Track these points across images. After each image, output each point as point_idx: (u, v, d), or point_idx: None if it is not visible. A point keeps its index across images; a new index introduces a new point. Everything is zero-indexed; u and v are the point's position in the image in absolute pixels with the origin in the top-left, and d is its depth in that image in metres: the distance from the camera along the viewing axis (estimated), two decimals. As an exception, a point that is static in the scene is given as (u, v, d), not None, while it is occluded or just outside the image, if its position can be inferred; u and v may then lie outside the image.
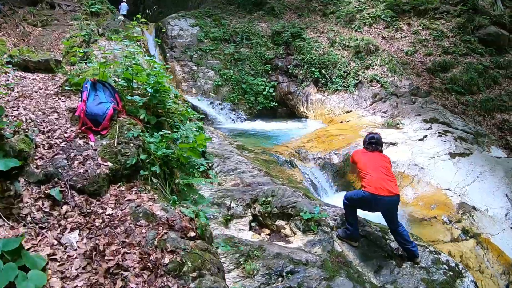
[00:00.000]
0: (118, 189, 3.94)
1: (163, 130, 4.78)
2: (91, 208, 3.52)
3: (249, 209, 6.90)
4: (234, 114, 16.39)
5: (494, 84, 15.56)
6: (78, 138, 4.27)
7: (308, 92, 16.75)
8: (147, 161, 4.27)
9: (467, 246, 8.35)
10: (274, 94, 17.20)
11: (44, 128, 4.35)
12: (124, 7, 20.76)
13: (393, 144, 11.79)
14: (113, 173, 4.00)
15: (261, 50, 17.93)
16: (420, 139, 12.31)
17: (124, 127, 4.53)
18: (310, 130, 13.94)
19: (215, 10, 20.35)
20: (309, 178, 10.29)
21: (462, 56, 16.29)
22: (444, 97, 15.04)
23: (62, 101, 5.25)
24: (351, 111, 15.18)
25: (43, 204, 3.30)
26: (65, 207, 3.38)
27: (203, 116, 15.19)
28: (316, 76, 16.68)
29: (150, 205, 3.76)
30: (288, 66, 17.41)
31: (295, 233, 6.34)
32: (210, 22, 18.93)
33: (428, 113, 13.80)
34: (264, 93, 16.99)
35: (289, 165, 10.35)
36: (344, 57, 16.79)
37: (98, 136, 4.37)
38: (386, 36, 17.65)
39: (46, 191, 3.40)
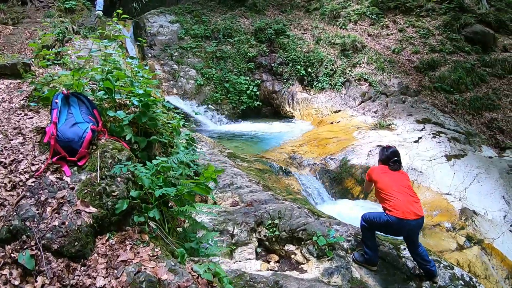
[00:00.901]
0: (107, 244, 2.89)
1: (156, 157, 3.69)
2: (75, 278, 2.50)
3: (254, 234, 5.95)
4: (218, 115, 15.23)
5: (482, 82, 14.89)
6: (49, 172, 3.15)
7: (293, 91, 15.72)
8: (139, 198, 3.18)
9: (473, 254, 7.96)
10: (258, 93, 16.10)
11: (5, 158, 3.25)
12: (100, 3, 19.12)
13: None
14: (98, 221, 2.93)
15: (244, 47, 16.77)
16: (415, 141, 11.54)
17: (107, 153, 3.43)
18: (299, 132, 12.94)
19: (195, 6, 19.02)
20: (306, 187, 9.34)
21: (449, 55, 15.56)
22: (434, 96, 14.26)
23: (29, 118, 4.08)
24: (339, 110, 14.24)
25: (11, 274, 2.34)
26: (40, 279, 2.40)
27: (185, 117, 14.04)
28: (301, 74, 15.66)
29: (153, 267, 2.68)
30: (272, 64, 16.32)
31: (308, 259, 5.45)
32: (190, 19, 17.64)
33: (420, 113, 13.00)
34: (248, 92, 15.87)
35: (285, 173, 9.36)
36: (330, 54, 15.82)
37: (75, 167, 3.25)
38: (372, 34, 16.76)
39: (12, 255, 2.44)
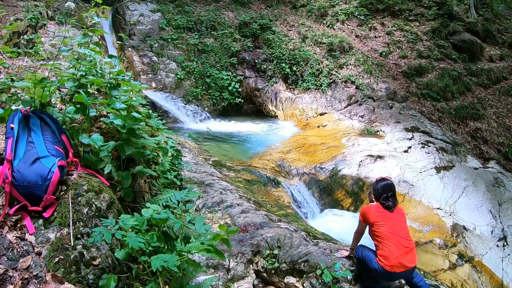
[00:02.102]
0: None
1: (144, 195, 2.75)
2: None
3: (251, 265, 5.15)
4: (198, 112, 14.15)
5: (467, 91, 14.35)
6: (7, 228, 2.18)
7: (277, 90, 14.78)
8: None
9: (465, 272, 7.79)
10: (240, 90, 15.08)
11: None
12: None
13: (380, 157, 10.24)
14: (77, 304, 1.94)
15: (227, 41, 15.69)
16: (405, 151, 10.92)
17: (82, 198, 2.49)
18: (285, 135, 12.04)
19: (178, -5, 17.74)
20: (296, 199, 8.52)
21: (436, 61, 14.95)
22: (421, 103, 13.62)
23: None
24: (325, 113, 13.41)
25: None
26: None
27: (162, 113, 12.94)
28: (286, 72, 14.74)
29: None
30: (256, 60, 15.31)
31: (311, 294, 4.73)
32: (173, 8, 16.35)
33: (408, 121, 12.34)
34: (230, 88, 14.85)
35: (274, 184, 8.48)
36: (316, 54, 14.93)
37: (40, 220, 2.29)
38: (360, 35, 15.96)
39: None
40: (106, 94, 4.06)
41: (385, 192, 4.44)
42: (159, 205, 3.43)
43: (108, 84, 4.32)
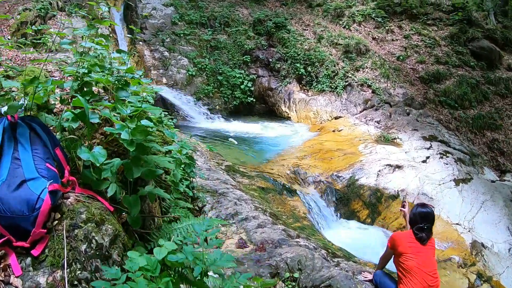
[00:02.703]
0: None
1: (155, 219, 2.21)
2: None
3: None
4: (209, 110, 13.53)
5: (485, 100, 13.67)
6: None
7: (290, 90, 14.12)
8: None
9: None
10: (252, 88, 14.42)
11: None
12: None
13: (399, 167, 9.60)
14: None
15: (241, 38, 15.02)
16: (423, 161, 10.31)
17: (79, 231, 1.97)
18: (299, 139, 11.43)
19: (192, -11, 17.05)
20: (312, 209, 7.93)
21: (454, 68, 14.26)
22: (438, 110, 12.94)
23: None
24: (340, 117, 12.76)
25: None
26: None
27: (172, 110, 12.34)
28: (300, 73, 14.07)
29: None
30: (270, 59, 14.65)
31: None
32: (186, 3, 15.67)
33: (426, 129, 11.69)
34: (242, 87, 14.19)
35: (289, 193, 7.87)
36: (332, 55, 14.26)
37: (28, 259, 1.74)
38: (377, 37, 15.27)
39: None
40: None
41: (422, 222, 3.99)
42: (173, 236, 2.85)
43: (115, 84, 3.73)
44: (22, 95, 2.49)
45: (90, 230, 1.95)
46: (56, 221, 1.90)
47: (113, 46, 12.89)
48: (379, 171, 9.26)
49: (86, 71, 3.01)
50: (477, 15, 16.16)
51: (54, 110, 2.98)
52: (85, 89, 3.05)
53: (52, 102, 2.92)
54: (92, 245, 1.91)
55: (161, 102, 12.43)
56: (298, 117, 13.53)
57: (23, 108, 2.46)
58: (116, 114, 2.76)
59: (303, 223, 7.11)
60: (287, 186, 8.03)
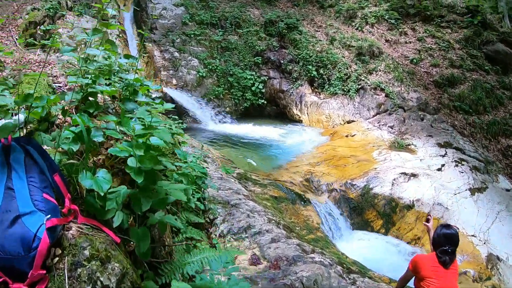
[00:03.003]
0: None
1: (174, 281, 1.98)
2: None
3: None
4: (219, 112, 13.25)
5: (500, 105, 13.33)
6: None
7: (302, 93, 13.82)
8: None
9: None
10: (263, 90, 14.14)
11: None
12: None
13: (414, 176, 9.30)
14: None
15: (252, 39, 14.73)
16: (438, 169, 10.04)
17: (82, 270, 1.78)
18: (312, 143, 11.14)
19: (202, -11, 16.74)
20: (325, 219, 7.66)
21: (469, 72, 13.89)
22: (453, 116, 12.59)
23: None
24: (352, 121, 12.46)
25: None
26: None
27: (182, 112, 12.09)
28: (312, 75, 13.77)
29: None
30: (281, 61, 14.35)
31: None
32: (197, 3, 15.37)
33: (441, 135, 11.36)
34: (253, 88, 13.91)
35: (302, 202, 7.60)
36: (344, 57, 13.93)
37: None
38: (390, 39, 14.91)
39: None
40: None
41: (446, 244, 3.76)
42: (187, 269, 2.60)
43: (122, 93, 3.48)
44: (18, 111, 2.22)
45: (95, 269, 1.74)
46: (57, 258, 1.71)
47: (122, 46, 12.66)
48: (394, 179, 8.98)
49: (90, 82, 2.76)
50: (492, 18, 15.71)
51: (57, 122, 2.74)
52: (90, 98, 2.81)
53: (54, 114, 2.68)
54: (97, 286, 1.70)
55: (170, 102, 12.17)
56: (309, 120, 13.24)
57: (23, 122, 2.21)
58: (122, 130, 2.51)
59: (316, 234, 6.90)
60: (300, 195, 7.77)
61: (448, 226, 3.97)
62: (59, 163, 2.10)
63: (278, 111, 14.18)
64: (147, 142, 2.28)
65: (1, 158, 1.74)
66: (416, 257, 4.04)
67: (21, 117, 2.17)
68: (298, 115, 13.65)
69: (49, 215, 1.68)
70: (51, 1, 11.76)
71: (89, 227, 1.95)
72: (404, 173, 9.24)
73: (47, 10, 11.26)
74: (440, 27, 15.38)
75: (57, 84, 4.46)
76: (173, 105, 3.43)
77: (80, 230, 1.87)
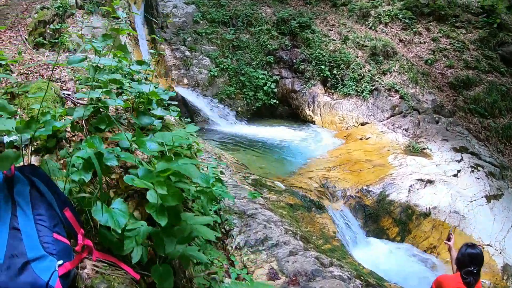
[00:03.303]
0: None
1: None
2: None
3: None
4: (231, 113, 13.09)
5: (515, 108, 13.01)
6: None
7: (314, 93, 13.62)
8: None
9: None
10: (275, 90, 13.94)
11: None
12: None
13: (430, 182, 9.13)
14: None
15: (264, 38, 14.52)
16: (454, 175, 9.87)
17: None
18: (325, 146, 10.97)
19: (213, -14, 16.49)
20: (341, 227, 7.53)
21: (484, 74, 13.58)
22: (468, 119, 12.35)
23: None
24: (366, 123, 12.27)
25: None
26: None
27: (193, 113, 11.96)
28: (325, 75, 13.55)
29: None
30: (294, 60, 14.14)
31: None
32: (208, 1, 15.14)
33: (456, 139, 11.15)
34: (265, 88, 13.73)
35: (318, 209, 7.46)
36: (358, 57, 13.69)
37: None
38: (404, 39, 14.64)
39: None
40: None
41: (471, 265, 3.69)
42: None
43: (135, 104, 3.33)
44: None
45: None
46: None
47: (132, 45, 12.51)
48: (411, 186, 8.83)
49: (100, 96, 2.60)
50: (507, 18, 15.37)
51: (67, 136, 2.61)
52: (101, 111, 2.67)
53: (62, 129, 2.55)
54: None
55: (182, 104, 12.05)
56: (322, 121, 13.05)
57: (28, 139, 2.07)
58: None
59: (333, 243, 6.78)
60: (315, 202, 7.62)
61: (473, 245, 3.91)
62: (70, 195, 1.94)
63: (290, 111, 13.99)
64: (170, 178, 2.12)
65: (4, 192, 1.58)
66: (440, 278, 3.99)
67: (26, 136, 2.02)
68: (310, 115, 13.47)
69: (61, 260, 1.54)
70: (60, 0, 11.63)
71: (105, 264, 1.81)
72: (421, 180, 9.07)
73: (56, 9, 11.12)
74: (455, 27, 15.08)
75: (65, 92, 4.30)
76: (197, 128, 3.27)
77: (96, 268, 1.73)
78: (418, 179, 9.04)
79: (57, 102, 3.46)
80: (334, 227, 7.38)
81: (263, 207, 6.40)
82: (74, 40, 10.79)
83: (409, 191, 8.70)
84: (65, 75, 5.82)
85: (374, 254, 7.71)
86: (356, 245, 7.71)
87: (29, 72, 6.02)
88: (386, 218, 8.36)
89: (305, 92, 13.74)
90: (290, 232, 5.94)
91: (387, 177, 8.98)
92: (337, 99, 13.26)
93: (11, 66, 6.38)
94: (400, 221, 8.34)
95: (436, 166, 9.83)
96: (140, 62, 3.62)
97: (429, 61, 13.89)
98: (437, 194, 8.88)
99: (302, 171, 9.15)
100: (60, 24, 11.01)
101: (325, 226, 7.24)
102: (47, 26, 10.67)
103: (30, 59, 7.91)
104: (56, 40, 10.53)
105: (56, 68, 7.16)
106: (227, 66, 13.61)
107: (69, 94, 4.34)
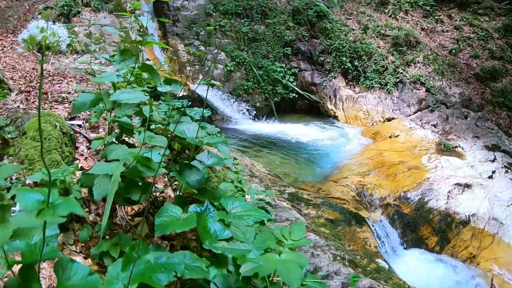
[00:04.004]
0: None
1: None
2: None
3: None
4: (250, 109, 12.57)
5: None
6: None
7: (336, 86, 13.07)
8: None
9: None
10: (294, 83, 13.36)
11: None
12: None
13: (468, 186, 8.70)
14: None
15: (280, 29, 13.88)
16: (490, 177, 9.48)
17: None
18: (354, 146, 10.54)
19: (225, -24, 15.70)
20: (381, 240, 7.15)
21: (510, 64, 13.00)
22: (497, 113, 11.88)
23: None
24: (393, 118, 11.77)
25: None
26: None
27: (211, 110, 11.48)
28: (346, 67, 13.00)
29: None
30: (313, 52, 13.56)
31: None
32: (220, -9, 14.43)
33: (487, 136, 10.68)
34: (283, 81, 13.16)
35: (358, 223, 7.07)
36: (380, 47, 13.10)
37: None
38: (426, 28, 14.03)
39: None
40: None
41: None
42: None
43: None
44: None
45: None
46: None
47: (153, 61, 11.91)
48: (449, 192, 8.44)
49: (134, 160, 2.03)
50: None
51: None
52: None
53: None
54: None
55: (199, 102, 11.53)
56: (346, 116, 12.54)
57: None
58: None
59: (376, 262, 6.39)
60: (355, 214, 7.23)
61: None
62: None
63: (310, 106, 13.44)
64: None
65: None
66: None
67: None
68: (333, 110, 12.95)
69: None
70: (65, -2, 11.01)
71: None
72: (458, 184, 8.66)
73: (61, 8, 10.53)
74: (477, 14, 14.45)
75: (74, 123, 3.76)
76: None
77: None
78: (456, 184, 8.63)
79: (65, 144, 2.92)
80: (375, 241, 7.02)
81: (307, 229, 5.99)
82: (81, 41, 10.22)
83: (447, 197, 8.30)
84: (72, 93, 5.23)
85: (414, 267, 7.40)
86: (396, 257, 7.37)
87: (31, 89, 5.52)
88: (425, 227, 7.99)
89: (325, 85, 13.20)
90: (338, 258, 5.55)
91: (424, 181, 8.58)
92: (359, 92, 12.73)
93: (11, 82, 5.83)
94: (440, 230, 7.97)
95: (471, 167, 9.40)
96: (168, 81, 3.03)
97: (453, 51, 13.31)
98: (475, 199, 8.48)
99: (335, 176, 8.73)
100: (66, 24, 10.42)
101: (367, 241, 6.87)
102: (53, 27, 10.10)
103: (33, 68, 7.33)
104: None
105: (61, 79, 6.53)
106: (243, 59, 13.02)
107: (80, 125, 3.78)
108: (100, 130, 3.90)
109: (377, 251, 6.83)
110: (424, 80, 12.11)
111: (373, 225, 7.33)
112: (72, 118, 3.93)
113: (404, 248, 7.74)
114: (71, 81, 6.42)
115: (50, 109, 4.32)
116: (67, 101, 4.78)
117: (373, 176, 8.70)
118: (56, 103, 4.71)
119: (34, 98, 4.86)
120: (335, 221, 6.80)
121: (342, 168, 9.16)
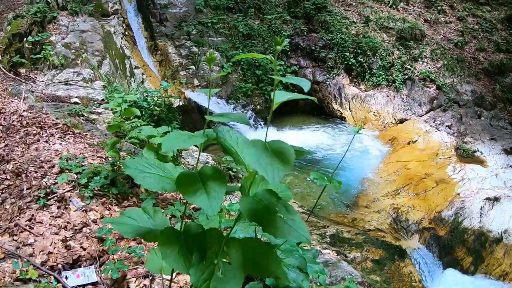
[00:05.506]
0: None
1: None
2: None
3: None
4: (251, 114, 11.83)
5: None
6: None
7: (340, 84, 12.48)
8: None
9: None
10: (295, 82, 12.64)
11: None
12: None
13: (496, 200, 8.34)
14: None
15: (276, 23, 13.09)
16: (512, 185, 9.01)
17: None
18: (372, 155, 10.00)
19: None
20: (422, 271, 6.76)
21: (515, 55, 12.69)
22: (508, 111, 11.53)
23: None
24: (405, 119, 11.31)
25: None
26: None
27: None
28: (350, 63, 12.41)
29: None
30: (313, 47, 12.88)
31: None
32: (210, -15, 13.39)
33: (504, 138, 10.41)
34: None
35: (400, 257, 6.62)
36: (384, 42, 12.54)
37: None
38: (429, 19, 13.54)
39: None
40: None
41: None
42: None
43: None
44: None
45: None
46: None
47: (130, 47, 10.96)
48: (481, 208, 8.07)
49: None
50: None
51: None
52: None
53: None
54: None
55: (197, 110, 10.76)
56: (354, 117, 11.98)
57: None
58: None
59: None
60: (396, 248, 6.77)
61: None
62: None
63: (313, 105, 12.78)
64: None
65: None
66: None
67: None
68: (339, 110, 12.36)
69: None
70: (37, 2, 9.83)
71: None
72: (488, 198, 8.31)
73: (33, 16, 9.42)
74: (479, 4, 14.03)
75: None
76: None
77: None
78: (486, 198, 8.29)
79: None
80: (418, 275, 6.63)
81: (362, 284, 5.41)
82: (60, 52, 9.21)
83: (480, 215, 7.95)
84: (56, 172, 4.20)
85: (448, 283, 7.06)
86: (432, 279, 7.01)
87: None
88: (460, 248, 7.66)
89: (329, 84, 12.58)
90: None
91: (455, 198, 8.20)
92: (365, 91, 12.18)
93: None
94: (474, 250, 7.65)
95: (495, 176, 9.08)
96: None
97: (459, 43, 12.88)
98: (505, 213, 8.16)
99: (364, 198, 8.22)
100: (40, 34, 9.36)
101: (411, 276, 6.46)
102: (24, 39, 9.01)
103: (2, 107, 6.26)
104: (38, 56, 8.93)
105: (39, 131, 5.15)
106: (239, 59, 12.18)
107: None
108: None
109: (422, 286, 6.43)
110: (434, 77, 11.68)
111: (413, 256, 6.93)
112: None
113: (440, 272, 7.40)
114: (52, 134, 5.24)
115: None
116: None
117: (403, 196, 8.24)
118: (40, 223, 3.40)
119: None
120: (380, 261, 6.31)
121: (367, 186, 8.65)
